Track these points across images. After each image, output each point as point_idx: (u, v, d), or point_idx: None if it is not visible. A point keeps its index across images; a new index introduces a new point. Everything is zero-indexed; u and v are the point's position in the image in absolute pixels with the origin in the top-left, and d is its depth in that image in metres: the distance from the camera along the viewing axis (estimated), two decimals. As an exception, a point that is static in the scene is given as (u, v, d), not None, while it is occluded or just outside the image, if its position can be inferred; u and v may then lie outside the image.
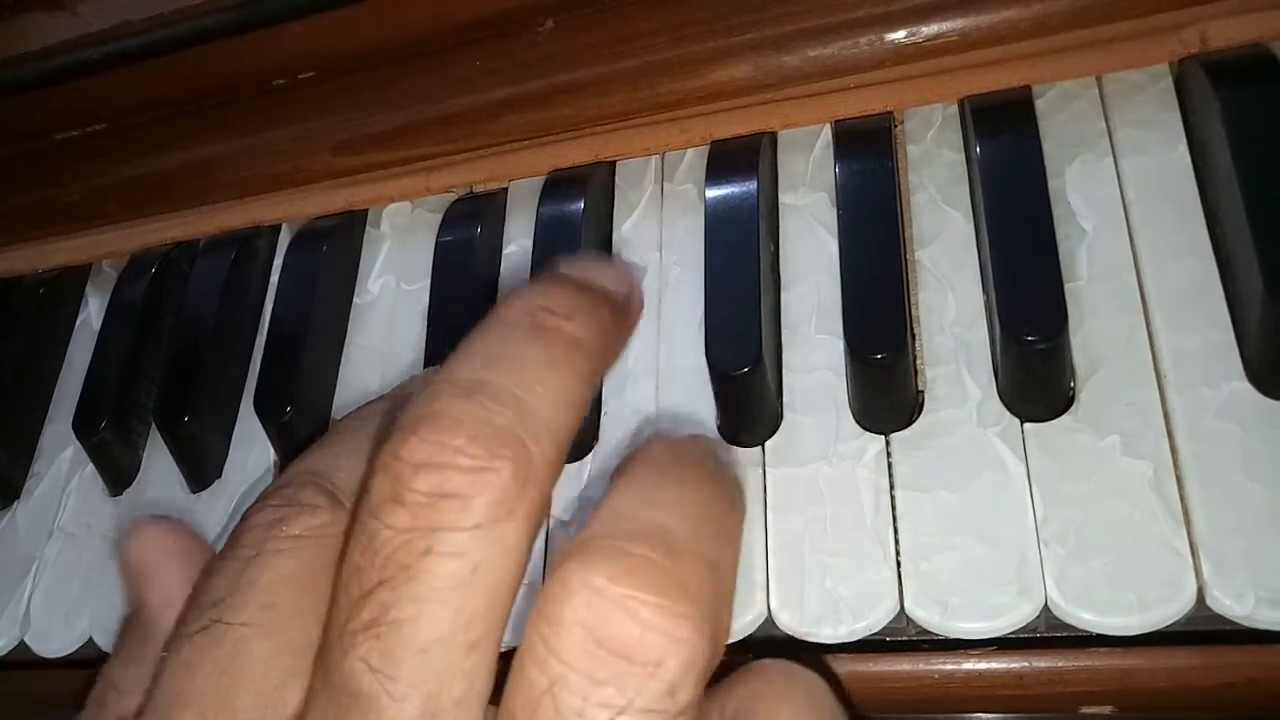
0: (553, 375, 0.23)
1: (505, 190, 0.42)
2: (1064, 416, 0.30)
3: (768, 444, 0.33)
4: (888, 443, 0.32)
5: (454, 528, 0.20)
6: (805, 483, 0.31)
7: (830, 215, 0.36)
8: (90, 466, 0.42)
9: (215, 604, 0.23)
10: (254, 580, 0.23)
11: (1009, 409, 0.31)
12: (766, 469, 0.32)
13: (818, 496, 0.31)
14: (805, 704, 0.22)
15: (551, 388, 0.22)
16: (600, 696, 0.19)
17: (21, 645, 0.40)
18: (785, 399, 0.33)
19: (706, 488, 0.22)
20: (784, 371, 0.34)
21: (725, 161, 0.38)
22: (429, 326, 0.39)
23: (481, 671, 0.20)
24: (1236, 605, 0.27)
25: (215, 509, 0.40)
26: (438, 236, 0.41)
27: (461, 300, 0.39)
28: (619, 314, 0.26)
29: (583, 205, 0.38)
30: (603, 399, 0.36)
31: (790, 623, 0.30)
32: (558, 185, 0.40)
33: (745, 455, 0.33)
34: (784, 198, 0.37)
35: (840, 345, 0.33)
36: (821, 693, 0.22)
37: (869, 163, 0.36)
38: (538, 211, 0.40)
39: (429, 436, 0.21)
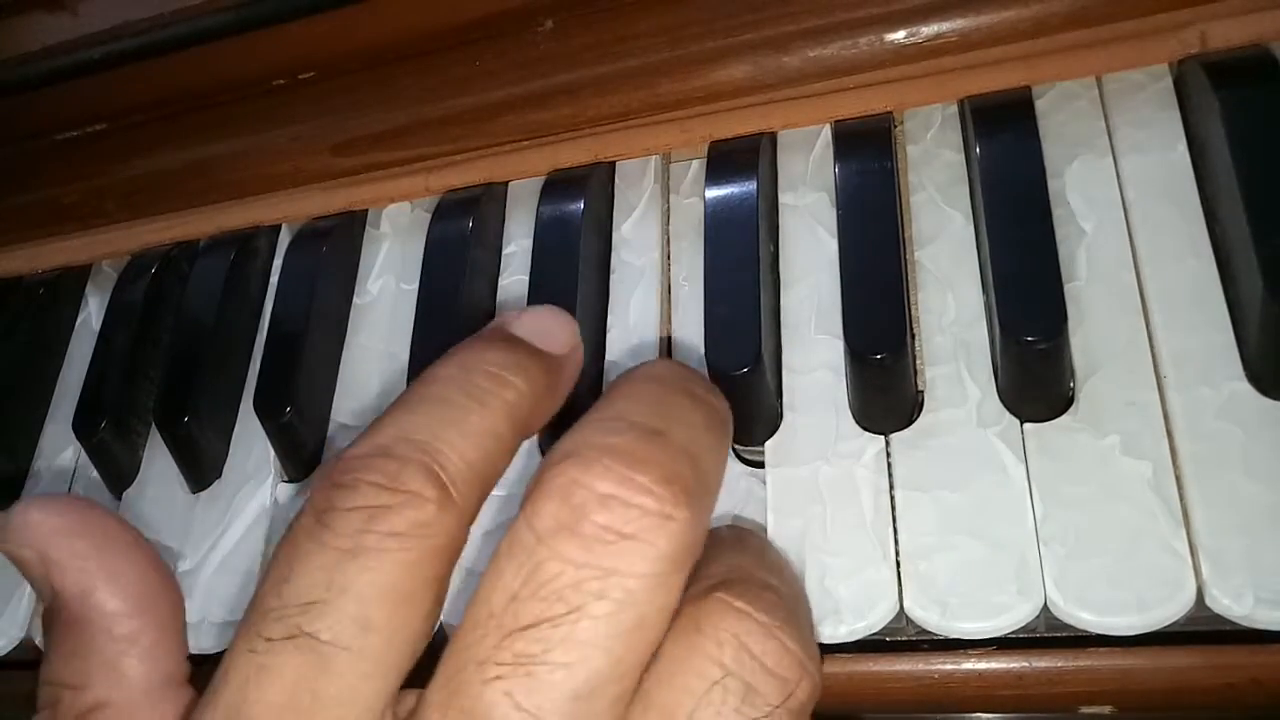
0: (710, 438, 0.23)
1: (498, 186, 0.42)
2: (1064, 416, 0.30)
3: (767, 444, 0.33)
4: (887, 443, 0.32)
5: (631, 573, 0.19)
6: (805, 483, 0.31)
7: (830, 215, 0.36)
8: (90, 466, 0.42)
9: (302, 608, 0.20)
10: (348, 587, 0.20)
11: (1009, 409, 0.31)
12: (766, 469, 0.32)
13: (817, 496, 0.31)
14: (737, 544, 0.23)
15: (713, 454, 0.23)
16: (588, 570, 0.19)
17: (22, 645, 0.40)
18: (785, 399, 0.33)
19: (691, 404, 0.23)
20: (783, 371, 0.34)
21: (725, 161, 0.38)
22: (416, 319, 0.39)
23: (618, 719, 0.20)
24: (1236, 605, 0.27)
25: (215, 509, 0.40)
26: (429, 229, 0.41)
27: (449, 295, 0.39)
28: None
29: (582, 206, 0.38)
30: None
31: (790, 623, 0.30)
32: (557, 185, 0.40)
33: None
34: (783, 198, 0.37)
35: (840, 345, 0.33)
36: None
37: (869, 163, 0.36)
38: (538, 211, 0.40)
39: (616, 468, 0.20)
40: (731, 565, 0.23)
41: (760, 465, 0.33)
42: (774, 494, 0.32)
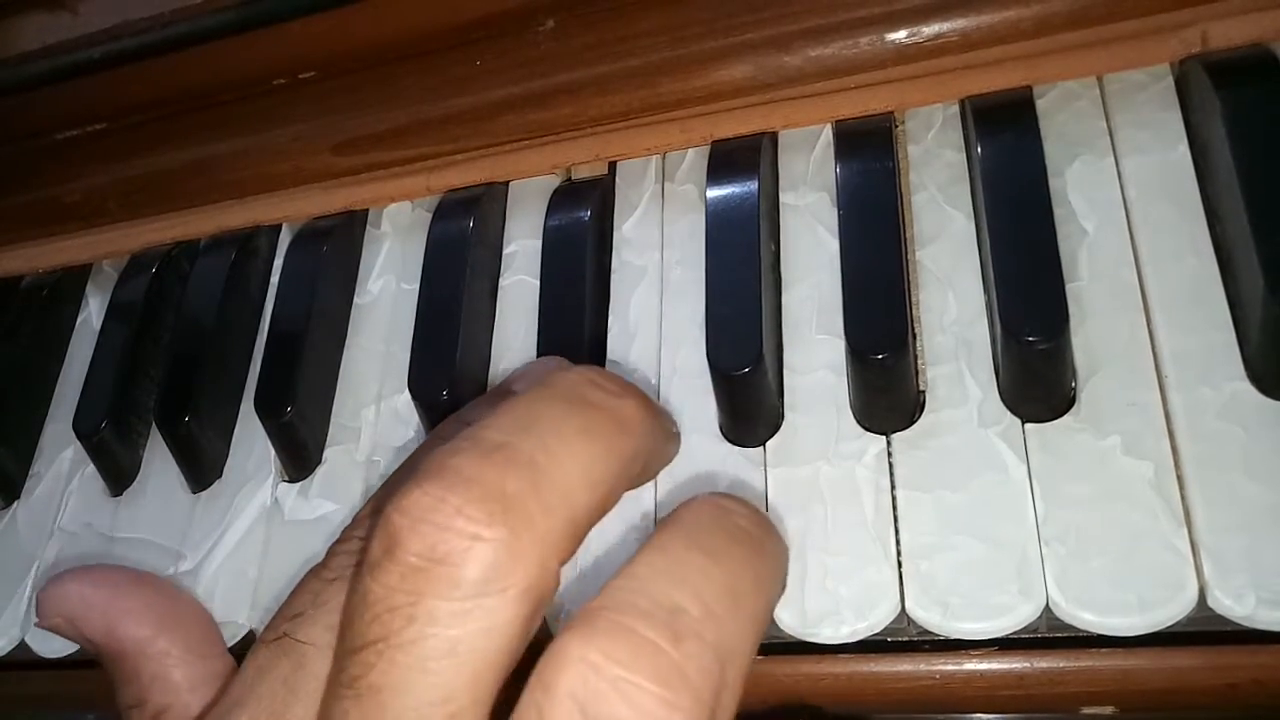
0: (585, 447, 0.22)
1: (499, 185, 0.42)
2: (1065, 416, 0.30)
3: (769, 444, 0.33)
4: (888, 442, 0.32)
5: (440, 597, 0.19)
6: (806, 483, 0.31)
7: (831, 215, 0.36)
8: (91, 466, 0.42)
9: (291, 619, 0.24)
10: (326, 602, 0.24)
11: (1010, 409, 0.31)
12: (767, 469, 0.32)
13: (818, 496, 0.31)
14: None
15: (581, 460, 0.21)
16: None
17: (22, 645, 0.40)
18: (786, 399, 0.33)
19: (737, 566, 0.21)
20: (785, 372, 0.34)
21: (726, 161, 0.38)
22: (417, 319, 0.39)
23: None
24: (1237, 606, 0.27)
25: (215, 509, 0.40)
26: (430, 228, 0.41)
27: (450, 295, 0.39)
28: (664, 429, 0.27)
29: (584, 207, 0.38)
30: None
31: (791, 623, 0.30)
32: (565, 193, 0.40)
33: (746, 455, 0.33)
34: (784, 197, 0.37)
35: (841, 345, 0.33)
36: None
37: (870, 162, 0.36)
38: (546, 213, 0.40)
39: (432, 491, 0.20)
40: (628, 578, 0.20)
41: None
42: (775, 494, 0.32)
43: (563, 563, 0.21)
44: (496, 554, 0.19)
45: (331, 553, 0.26)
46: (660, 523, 0.22)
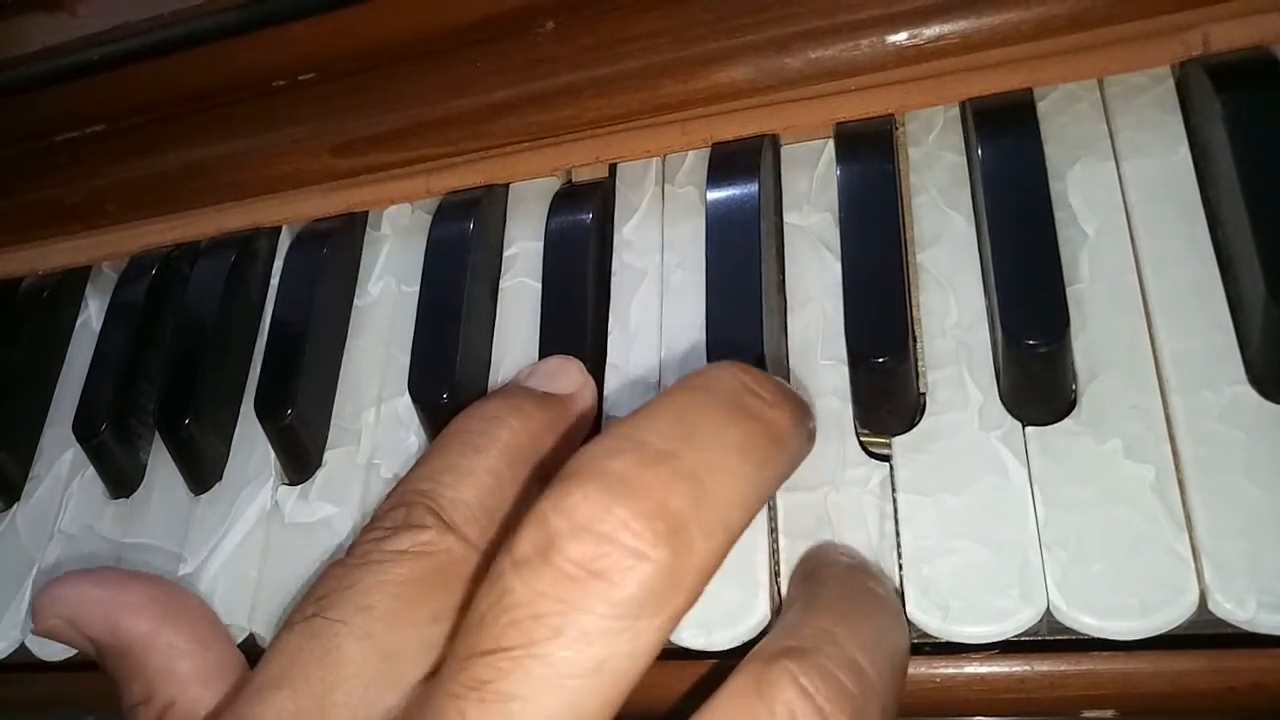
0: (744, 465, 0.21)
1: (499, 187, 0.42)
2: (1066, 420, 0.30)
3: None
4: (888, 446, 0.32)
5: (592, 612, 0.18)
6: (814, 508, 0.31)
7: (835, 237, 0.35)
8: (91, 469, 0.42)
9: (319, 600, 0.25)
10: (354, 583, 0.24)
11: (1010, 412, 0.31)
12: (777, 493, 0.32)
13: (826, 522, 0.31)
14: None
15: (739, 480, 0.21)
16: None
17: (22, 648, 0.40)
18: None
19: (892, 628, 0.24)
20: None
21: (726, 163, 0.38)
22: (417, 321, 0.39)
23: None
24: (1239, 610, 0.27)
25: (216, 511, 0.40)
26: (430, 230, 0.41)
27: (450, 297, 0.39)
28: (809, 434, 0.26)
29: (585, 208, 0.38)
30: (603, 401, 0.36)
31: (792, 626, 0.30)
32: (565, 188, 0.40)
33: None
34: (788, 216, 0.37)
35: (846, 371, 0.33)
36: None
37: (870, 165, 0.36)
38: (547, 215, 0.40)
39: (595, 497, 0.19)
40: (822, 630, 0.21)
41: (886, 458, 0.32)
42: (784, 518, 0.31)
43: (704, 587, 0.20)
44: (658, 577, 0.19)
45: (357, 542, 0.26)
46: (806, 573, 0.27)
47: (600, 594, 0.18)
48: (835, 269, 0.35)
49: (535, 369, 0.32)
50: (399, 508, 0.26)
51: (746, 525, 0.21)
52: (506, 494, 0.27)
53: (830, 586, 0.24)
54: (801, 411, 0.25)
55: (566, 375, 0.32)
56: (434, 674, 0.23)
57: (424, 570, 0.25)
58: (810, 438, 0.27)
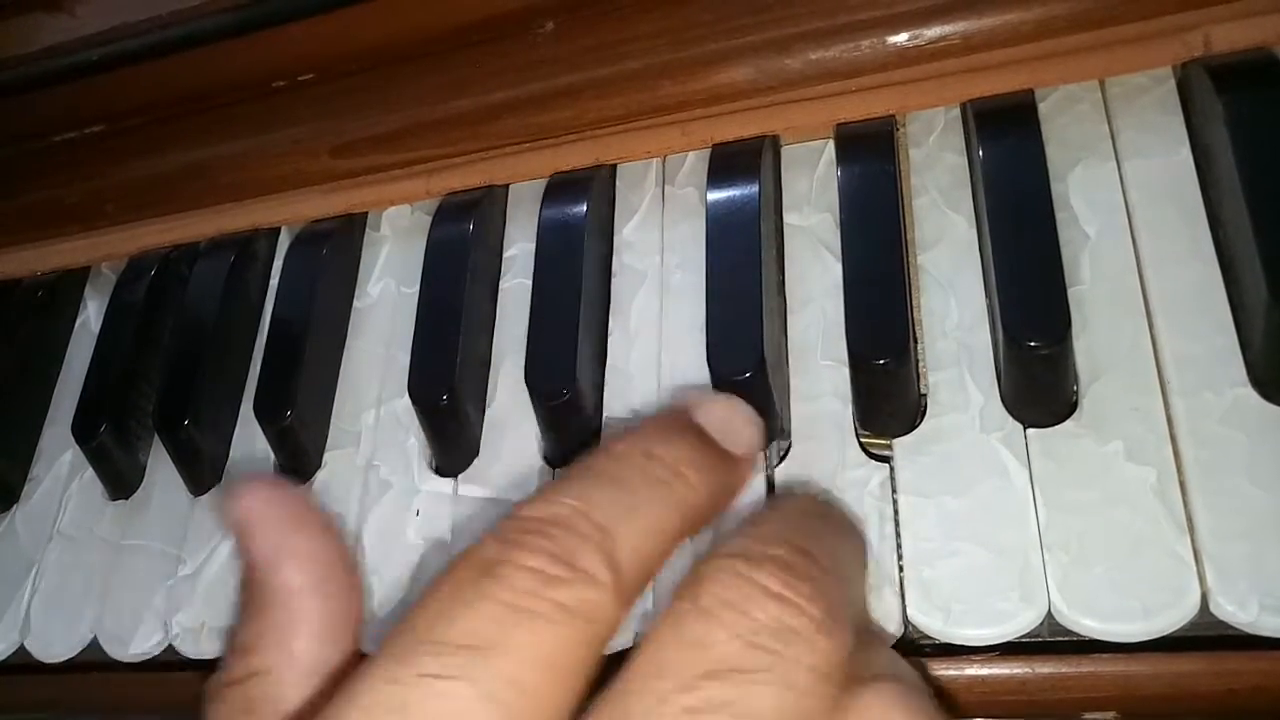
0: (853, 572, 0.24)
1: (499, 188, 0.42)
2: (1067, 422, 0.30)
3: (777, 470, 0.33)
4: (889, 449, 0.32)
5: (799, 663, 0.20)
6: None
7: (835, 237, 0.35)
8: (90, 470, 0.42)
9: (460, 651, 0.19)
10: (508, 645, 0.19)
11: (1012, 414, 0.31)
12: (777, 494, 0.32)
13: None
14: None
15: (856, 586, 0.24)
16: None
17: (21, 650, 0.40)
18: (793, 426, 0.33)
19: (837, 535, 0.25)
20: (791, 398, 0.34)
21: (727, 164, 0.38)
22: (416, 322, 0.39)
23: None
24: (1240, 612, 0.26)
25: (215, 513, 0.39)
26: (429, 231, 0.41)
27: (450, 298, 0.39)
28: None
29: (585, 208, 0.38)
30: (603, 402, 0.36)
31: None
32: (559, 188, 0.40)
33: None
34: (788, 218, 0.37)
35: (846, 372, 0.33)
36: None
37: (871, 166, 0.36)
38: (540, 215, 0.39)
39: (780, 575, 0.21)
40: (755, 534, 0.23)
41: (886, 460, 0.32)
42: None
43: None
44: (839, 649, 0.21)
45: (502, 564, 0.21)
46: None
47: (805, 645, 0.20)
48: (835, 270, 0.35)
49: (712, 408, 0.27)
50: (568, 532, 0.21)
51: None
52: (662, 561, 0.23)
53: (770, 510, 0.25)
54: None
55: (747, 435, 0.27)
56: None
57: (580, 640, 0.20)
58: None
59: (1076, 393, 0.31)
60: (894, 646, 0.30)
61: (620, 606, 0.21)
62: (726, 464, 0.26)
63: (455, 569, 0.21)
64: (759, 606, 0.20)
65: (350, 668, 0.23)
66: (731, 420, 0.27)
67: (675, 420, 0.26)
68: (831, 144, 0.37)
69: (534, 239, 0.39)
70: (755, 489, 0.32)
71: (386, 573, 0.35)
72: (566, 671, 0.20)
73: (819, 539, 0.23)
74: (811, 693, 0.20)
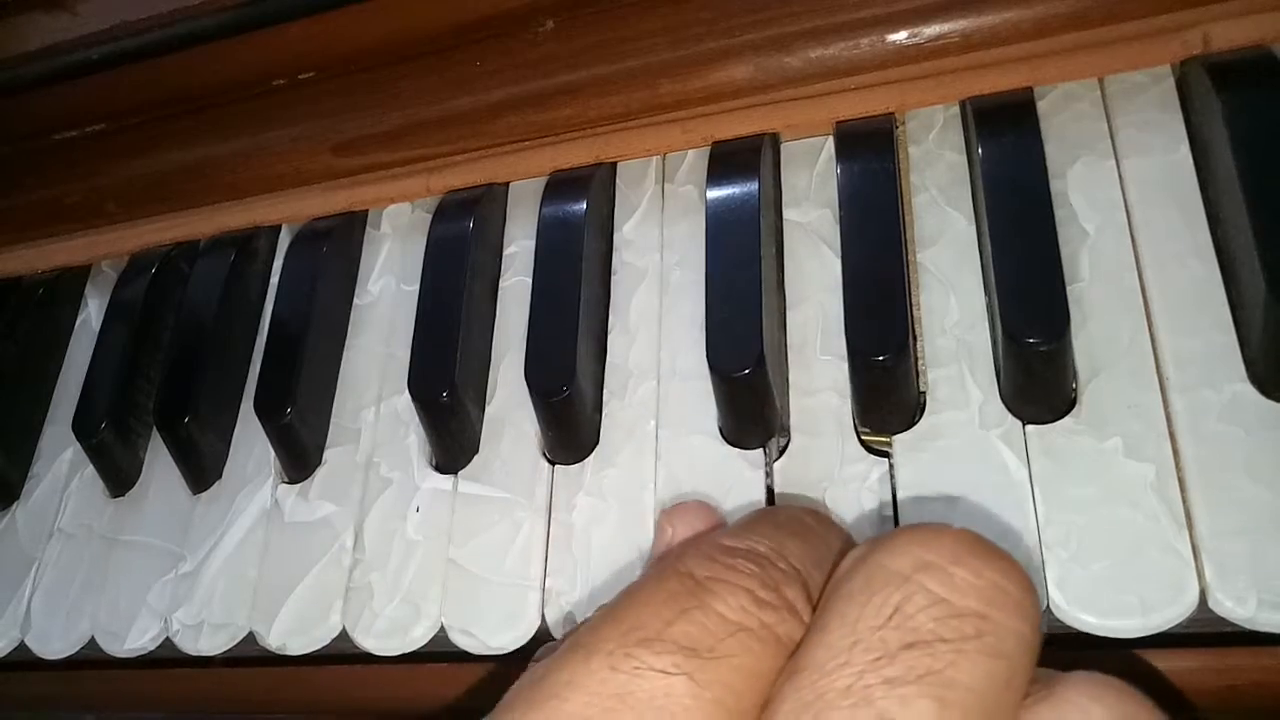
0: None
1: (499, 186, 0.42)
2: (1066, 419, 0.30)
3: (777, 465, 0.33)
4: (889, 445, 0.32)
5: (1005, 625, 0.20)
6: (814, 505, 0.31)
7: (834, 233, 0.35)
8: (90, 468, 0.42)
9: (685, 651, 0.20)
10: (730, 653, 0.21)
11: (1011, 411, 0.31)
12: (775, 490, 0.32)
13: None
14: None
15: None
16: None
17: (22, 646, 0.40)
18: (792, 421, 0.33)
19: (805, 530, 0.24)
20: (790, 393, 0.34)
21: (726, 162, 0.38)
22: (417, 320, 0.39)
23: None
24: (1239, 608, 0.26)
25: (216, 510, 0.39)
26: (430, 229, 0.41)
27: (450, 296, 0.39)
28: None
29: (585, 206, 0.38)
30: (604, 400, 0.36)
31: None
32: (559, 186, 0.40)
33: (746, 456, 0.33)
34: (788, 214, 0.37)
35: (845, 367, 0.33)
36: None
37: (870, 164, 0.36)
38: (540, 212, 0.39)
39: (966, 557, 0.21)
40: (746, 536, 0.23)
41: (886, 455, 0.32)
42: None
43: None
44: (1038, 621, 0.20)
45: (712, 578, 0.22)
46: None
47: (1008, 608, 0.19)
48: (834, 265, 0.35)
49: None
50: (772, 566, 0.23)
51: None
52: None
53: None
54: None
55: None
56: None
57: (777, 660, 0.21)
58: None
59: (1075, 390, 0.31)
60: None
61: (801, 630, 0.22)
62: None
63: (666, 579, 0.22)
64: (955, 565, 0.20)
65: None
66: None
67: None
68: (831, 140, 0.38)
69: (534, 237, 0.39)
70: (754, 484, 0.33)
71: (387, 569, 0.35)
72: (765, 684, 0.21)
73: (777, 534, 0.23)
74: (1021, 657, 0.19)
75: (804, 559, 0.23)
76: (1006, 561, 0.20)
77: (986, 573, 0.20)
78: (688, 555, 0.23)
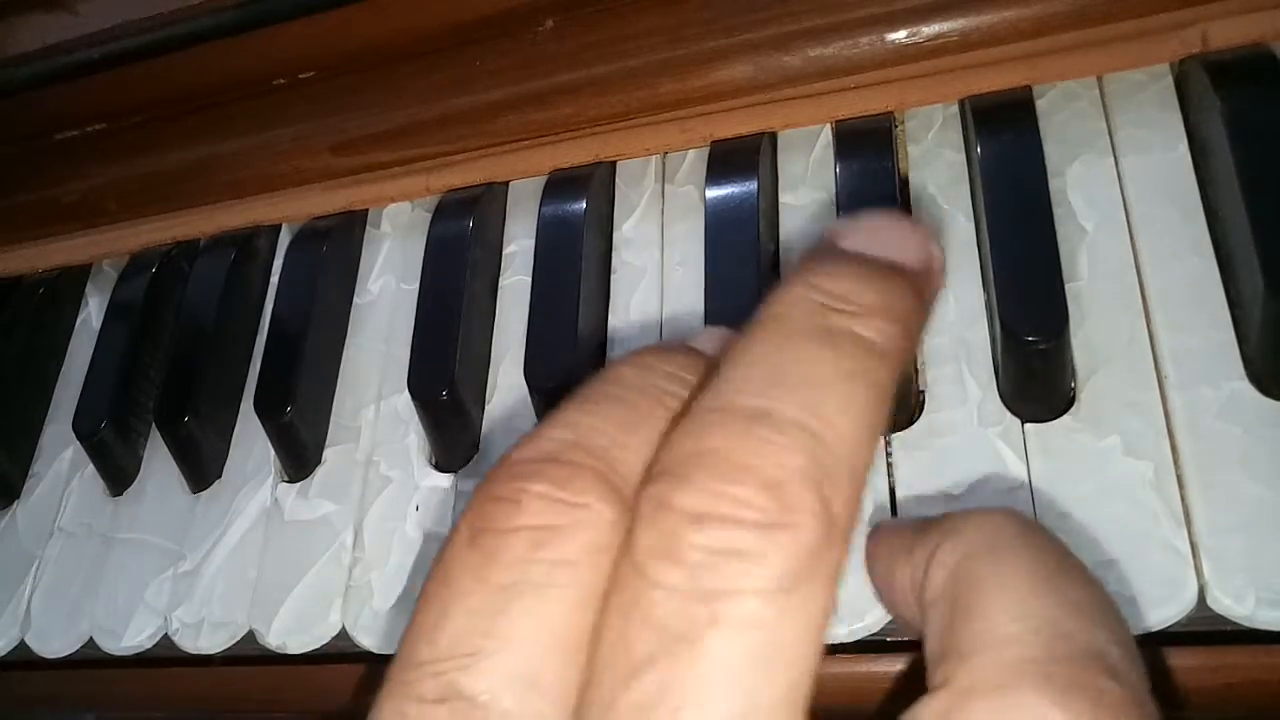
0: (850, 396, 0.18)
1: (499, 185, 0.42)
2: (1065, 416, 0.30)
3: None
4: (888, 444, 0.32)
5: (745, 591, 0.16)
6: None
7: (831, 216, 0.36)
8: (90, 466, 0.42)
9: (458, 661, 0.17)
10: (510, 635, 0.17)
11: (1010, 409, 0.31)
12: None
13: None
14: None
15: (850, 414, 0.18)
16: None
17: (22, 645, 0.40)
18: None
19: (817, 349, 0.19)
20: None
21: (725, 161, 0.38)
22: (417, 318, 0.39)
23: None
24: (1237, 605, 0.27)
25: (216, 509, 0.40)
26: (430, 228, 0.41)
27: (450, 295, 0.39)
28: (918, 294, 0.20)
29: (585, 205, 0.38)
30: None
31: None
32: (558, 185, 0.40)
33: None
34: (784, 198, 0.37)
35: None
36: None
37: (869, 162, 0.36)
38: (539, 211, 0.40)
39: (704, 484, 0.17)
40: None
41: (884, 452, 0.31)
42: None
43: (853, 536, 0.17)
44: (799, 542, 0.16)
45: (488, 532, 0.18)
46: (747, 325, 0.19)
47: (747, 571, 0.16)
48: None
49: (710, 336, 0.23)
50: (559, 465, 0.18)
51: (871, 458, 0.18)
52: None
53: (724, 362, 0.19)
54: (904, 287, 0.20)
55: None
56: None
57: (589, 596, 0.17)
58: (934, 276, 0.22)
59: (1074, 387, 0.31)
60: (892, 641, 0.31)
61: (624, 524, 0.18)
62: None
63: (443, 554, 0.18)
64: (685, 544, 0.16)
65: None
66: (724, 341, 0.22)
67: (672, 342, 0.23)
68: (828, 128, 0.38)
69: (534, 236, 0.40)
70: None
71: (386, 568, 0.36)
72: (585, 640, 0.17)
73: (784, 368, 0.18)
74: (781, 614, 0.16)
75: (611, 430, 0.19)
76: (747, 531, 0.16)
77: (719, 545, 0.16)
78: (473, 496, 0.19)
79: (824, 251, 0.21)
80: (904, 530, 0.20)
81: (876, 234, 0.21)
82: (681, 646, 0.16)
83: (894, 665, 0.30)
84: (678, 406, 0.19)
